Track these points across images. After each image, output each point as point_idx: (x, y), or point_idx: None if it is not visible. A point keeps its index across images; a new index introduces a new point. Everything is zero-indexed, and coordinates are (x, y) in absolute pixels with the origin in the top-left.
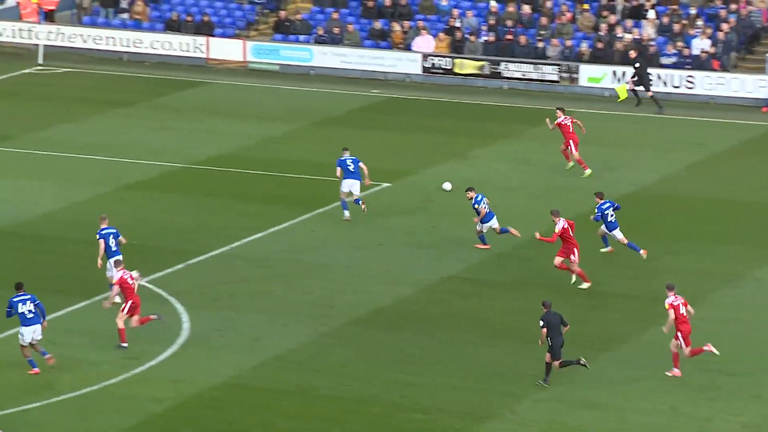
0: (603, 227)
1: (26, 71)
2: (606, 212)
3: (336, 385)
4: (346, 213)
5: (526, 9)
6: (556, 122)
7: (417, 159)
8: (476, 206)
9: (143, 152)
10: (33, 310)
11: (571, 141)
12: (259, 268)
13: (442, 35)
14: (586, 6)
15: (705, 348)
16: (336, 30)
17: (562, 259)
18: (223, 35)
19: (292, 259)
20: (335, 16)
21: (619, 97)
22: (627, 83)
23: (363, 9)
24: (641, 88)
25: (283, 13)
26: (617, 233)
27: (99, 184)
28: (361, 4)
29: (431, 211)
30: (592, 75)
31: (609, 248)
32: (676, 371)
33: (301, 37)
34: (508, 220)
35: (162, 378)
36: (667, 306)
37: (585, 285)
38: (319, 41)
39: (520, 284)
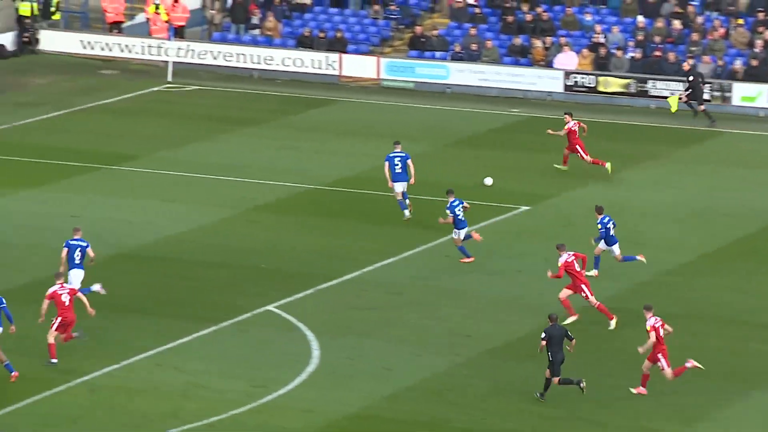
0: (601, 244)
1: (155, 89)
2: (608, 226)
3: (470, 418)
4: (406, 213)
5: (676, 24)
6: (566, 128)
7: (557, 181)
8: (448, 210)
9: (272, 173)
10: None
11: (578, 146)
12: (392, 295)
13: (585, 52)
14: (740, 21)
15: (687, 365)
16: (474, 46)
17: (568, 293)
18: (357, 52)
19: (426, 285)
20: (473, 32)
21: (671, 108)
22: (680, 96)
23: (502, 24)
24: (695, 101)
25: (418, 29)
26: (616, 248)
27: (227, 206)
28: (501, 20)
29: (572, 236)
30: (746, 94)
31: (595, 272)
32: (642, 389)
33: (437, 54)
34: (652, 246)
35: (291, 407)
36: (648, 328)
37: (612, 322)
38: (456, 58)
39: (667, 315)
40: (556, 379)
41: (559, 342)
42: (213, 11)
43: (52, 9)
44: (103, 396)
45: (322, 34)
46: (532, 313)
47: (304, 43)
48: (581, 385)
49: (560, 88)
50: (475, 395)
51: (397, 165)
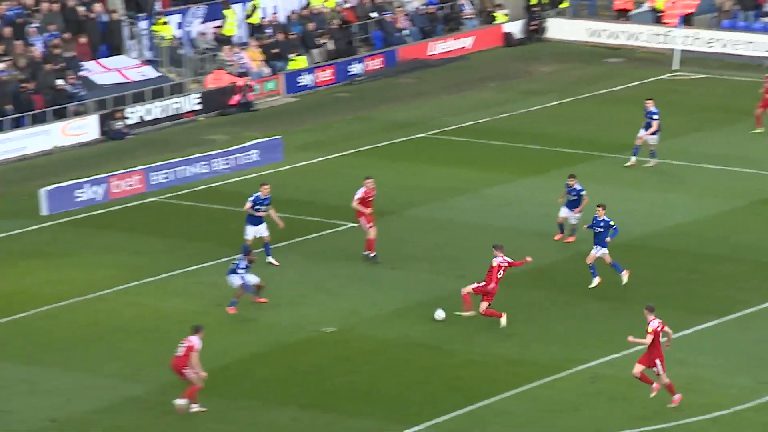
0: (596, 249)
1: (660, 77)
2: (605, 226)
3: None
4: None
5: None
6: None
7: None
8: (575, 194)
9: None
10: (244, 267)
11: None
12: None
13: None
14: None
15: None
16: None
17: (468, 289)
18: None
19: None
20: None
21: None
22: None
23: None
24: None
25: None
26: (599, 251)
27: (731, 198)
28: None
29: None
30: None
31: (626, 272)
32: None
33: None
34: None
35: None
36: (650, 330)
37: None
38: None
39: None
40: None
41: None
42: None
43: None
44: (604, 385)
45: None
46: None
47: None
48: None
49: None
50: None
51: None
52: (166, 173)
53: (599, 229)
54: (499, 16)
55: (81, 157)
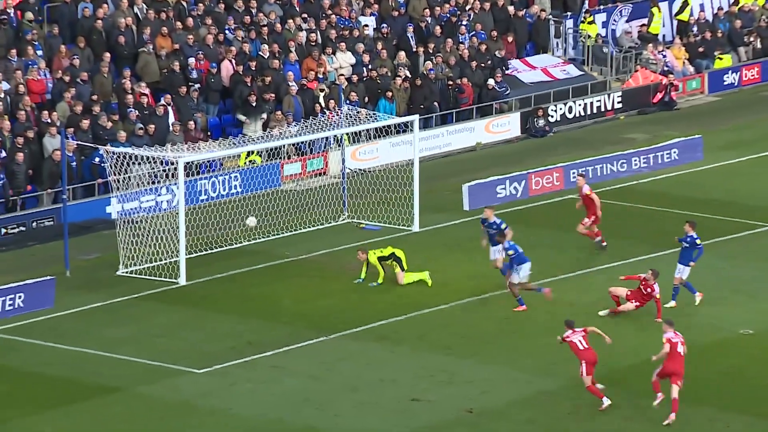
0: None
1: None
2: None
3: None
4: None
5: None
6: None
7: None
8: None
9: None
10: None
11: None
12: None
13: None
14: None
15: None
16: None
17: None
18: None
19: None
20: None
21: None
22: None
23: None
24: None
25: None
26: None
27: None
28: None
29: None
30: None
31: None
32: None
33: None
34: None
35: None
36: (664, 340)
37: None
38: None
39: None
40: None
41: None
42: None
43: None
44: None
45: None
46: None
47: None
48: None
49: None
50: None
51: None
52: (585, 171)
53: (686, 245)
54: None
55: (502, 154)
